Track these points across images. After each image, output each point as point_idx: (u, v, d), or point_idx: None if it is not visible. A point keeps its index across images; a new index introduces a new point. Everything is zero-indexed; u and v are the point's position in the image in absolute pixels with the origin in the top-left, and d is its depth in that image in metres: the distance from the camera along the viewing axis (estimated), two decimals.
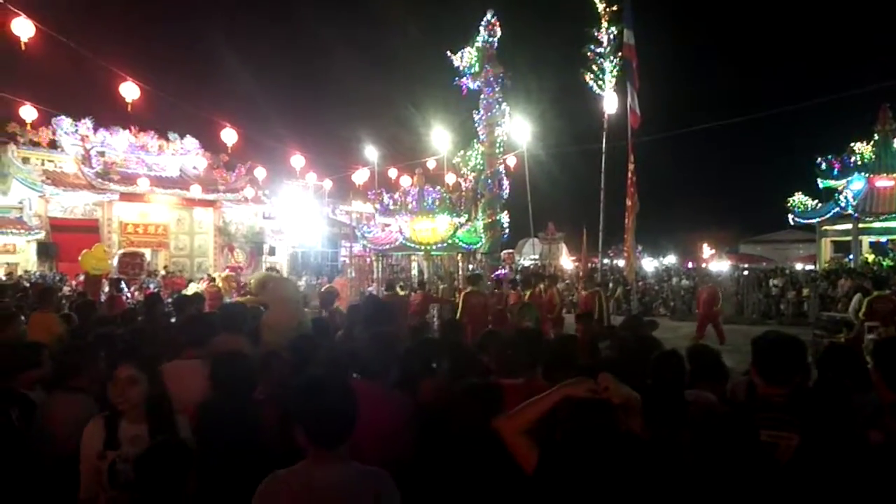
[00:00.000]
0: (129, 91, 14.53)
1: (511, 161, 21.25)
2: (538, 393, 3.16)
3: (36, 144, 23.94)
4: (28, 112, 20.04)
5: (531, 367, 3.40)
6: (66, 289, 17.15)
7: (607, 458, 2.03)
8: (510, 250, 32.88)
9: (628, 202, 14.95)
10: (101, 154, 24.80)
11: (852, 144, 26.19)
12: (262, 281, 5.81)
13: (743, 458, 2.22)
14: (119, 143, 25.50)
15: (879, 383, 2.66)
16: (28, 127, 22.64)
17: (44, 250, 21.94)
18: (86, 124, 24.79)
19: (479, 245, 18.06)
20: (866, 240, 26.83)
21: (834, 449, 2.22)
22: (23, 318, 5.85)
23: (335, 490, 2.03)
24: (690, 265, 33.63)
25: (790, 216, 27.78)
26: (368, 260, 22.23)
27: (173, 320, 6.66)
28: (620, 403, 2.08)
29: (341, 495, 2.03)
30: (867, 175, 25.42)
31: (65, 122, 24.29)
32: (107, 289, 14.86)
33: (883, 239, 26.90)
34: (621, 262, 24.76)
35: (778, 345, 2.57)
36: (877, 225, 25.34)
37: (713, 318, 14.01)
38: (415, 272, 19.95)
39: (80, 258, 15.20)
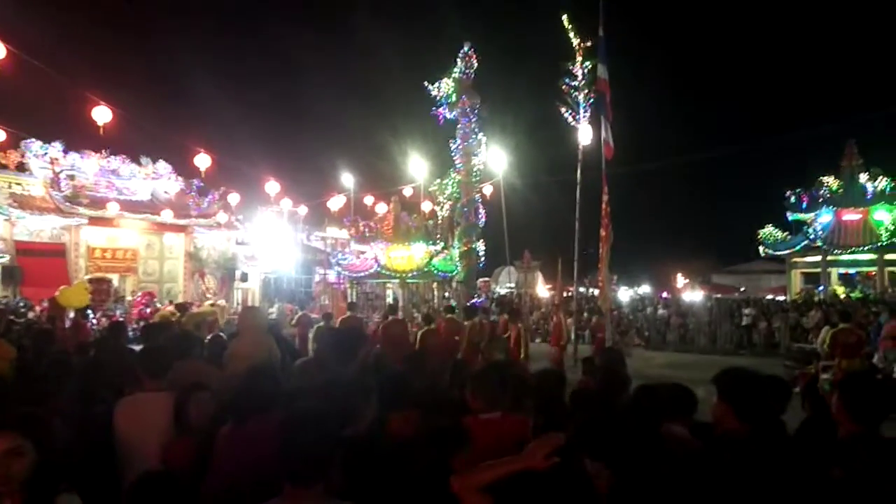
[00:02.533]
0: (101, 114, 14.35)
1: (487, 190, 21.35)
2: (512, 427, 3.11)
3: (3, 167, 23.40)
4: None
5: (506, 400, 3.34)
6: (31, 314, 16.67)
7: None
8: (486, 279, 32.86)
9: (602, 232, 15.04)
10: (71, 177, 24.32)
11: (820, 178, 26.86)
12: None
13: (715, 494, 2.22)
14: (89, 167, 25.07)
15: (842, 415, 2.67)
16: None
17: (8, 274, 21.31)
18: (56, 147, 24.36)
19: (454, 273, 18.02)
20: (835, 272, 27.37)
21: (785, 486, 2.25)
22: None
23: None
24: (665, 295, 33.90)
25: (761, 248, 28.27)
26: (343, 287, 22.00)
27: (137, 348, 6.45)
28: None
29: None
30: (835, 208, 26.03)
31: (34, 145, 23.83)
32: (72, 315, 14.46)
33: (851, 271, 27.46)
34: (596, 292, 24.87)
35: (745, 383, 2.66)
36: (845, 257, 25.89)
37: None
38: (389, 300, 19.79)
39: (57, 293, 14.92)
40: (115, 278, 24.03)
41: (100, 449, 3.34)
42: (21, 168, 23.94)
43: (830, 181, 26.57)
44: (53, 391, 3.57)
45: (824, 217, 26.24)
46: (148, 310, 19.70)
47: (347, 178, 26.07)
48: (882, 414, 2.56)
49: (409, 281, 18.27)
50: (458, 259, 17.97)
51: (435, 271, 17.70)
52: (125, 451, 3.32)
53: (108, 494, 2.88)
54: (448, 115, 17.49)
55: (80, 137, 23.75)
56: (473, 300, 19.41)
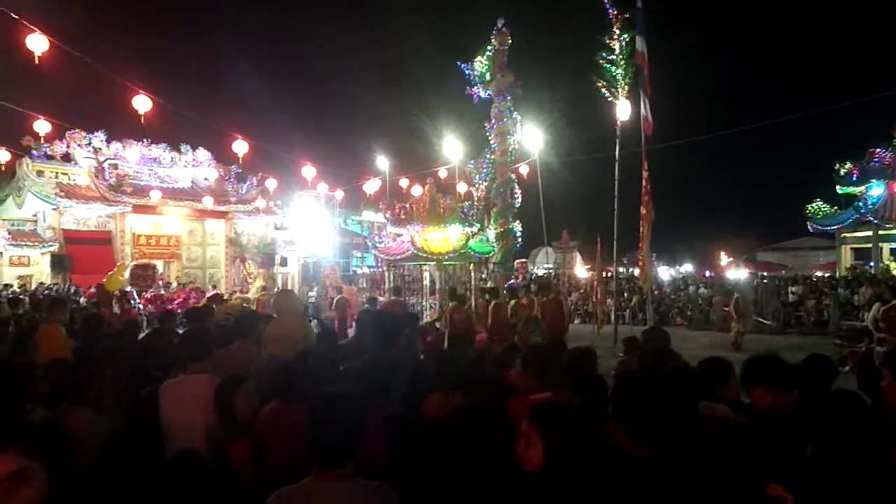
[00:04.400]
0: (142, 104, 14.57)
1: (523, 169, 21.09)
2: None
3: (50, 157, 24.14)
4: (42, 125, 20.20)
5: (556, 380, 3.31)
6: (82, 300, 17.21)
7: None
8: (523, 259, 32.63)
9: (643, 210, 14.74)
10: (114, 166, 25.00)
11: (871, 150, 25.81)
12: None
13: (761, 470, 2.19)
14: (132, 156, 25.68)
15: None
16: (42, 140, 22.89)
17: (57, 262, 22.05)
18: (99, 137, 25.04)
19: (491, 254, 17.89)
20: (887, 247, 26.35)
21: (849, 465, 2.17)
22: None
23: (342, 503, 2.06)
24: (708, 273, 33.19)
25: (809, 223, 27.39)
26: (381, 270, 22.11)
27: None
28: None
29: None
30: (886, 181, 25.01)
31: (78, 135, 24.57)
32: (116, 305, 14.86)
33: None
34: (637, 271, 24.49)
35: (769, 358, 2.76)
36: None
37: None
38: (426, 282, 19.81)
39: (104, 280, 15.39)
40: (159, 264, 24.64)
41: (148, 429, 3.43)
42: (66, 158, 24.66)
43: (882, 152, 25.51)
44: (107, 375, 3.63)
45: (875, 190, 25.21)
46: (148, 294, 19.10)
47: (382, 161, 26.12)
48: None
49: (445, 263, 18.22)
50: (494, 240, 17.80)
51: (472, 253, 17.62)
52: (170, 432, 3.42)
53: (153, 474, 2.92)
54: (482, 95, 17.24)
55: (122, 127, 24.38)
56: (510, 281, 19.28)
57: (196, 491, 2.33)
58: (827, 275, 27.04)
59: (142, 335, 7.02)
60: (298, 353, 3.66)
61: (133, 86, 14.57)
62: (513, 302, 10.56)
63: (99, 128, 25.16)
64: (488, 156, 18.42)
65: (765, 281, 23.38)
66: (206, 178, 27.90)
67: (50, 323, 6.56)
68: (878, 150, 25.63)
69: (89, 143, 24.82)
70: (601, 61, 15.50)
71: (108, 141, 25.33)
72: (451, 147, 21.71)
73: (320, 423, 2.11)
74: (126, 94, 14.57)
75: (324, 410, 2.14)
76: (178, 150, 27.55)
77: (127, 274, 18.22)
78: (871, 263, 25.28)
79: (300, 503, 2.07)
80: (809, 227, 27.83)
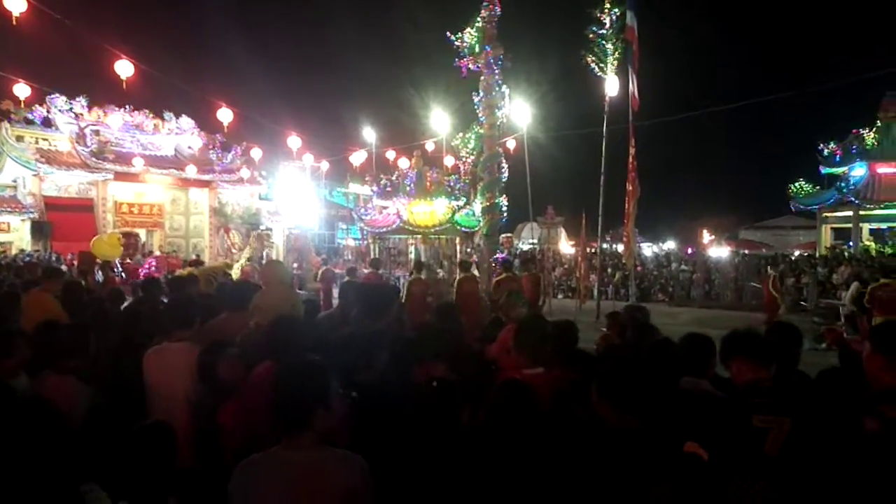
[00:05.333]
0: (124, 69, 14.27)
1: (510, 144, 21.02)
2: (553, 383, 3.09)
3: (30, 122, 23.66)
4: (22, 89, 19.73)
5: (549, 356, 3.34)
6: (63, 267, 17.03)
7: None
8: (509, 234, 32.70)
9: (629, 187, 14.80)
10: (96, 133, 24.57)
11: (855, 131, 26.03)
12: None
13: (737, 444, 2.25)
14: (114, 122, 25.26)
15: (882, 366, 2.59)
16: (22, 105, 22.38)
17: (38, 229, 21.78)
18: (80, 102, 24.57)
19: (477, 228, 17.94)
20: (867, 227, 26.76)
21: (827, 436, 2.24)
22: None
23: (303, 471, 2.06)
24: (690, 251, 33.51)
25: (791, 203, 27.69)
26: (365, 242, 22.07)
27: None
28: None
29: (309, 476, 2.06)
30: (869, 162, 25.29)
31: (59, 100, 24.06)
32: (99, 273, 14.72)
33: (883, 226, 26.84)
34: (620, 247, 24.66)
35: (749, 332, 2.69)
36: (877, 212, 25.26)
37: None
38: (412, 255, 19.84)
39: (91, 243, 15.09)
40: (142, 233, 24.40)
41: (132, 394, 3.47)
42: (47, 123, 24.17)
43: (866, 133, 25.75)
44: (90, 342, 3.62)
45: (858, 171, 25.51)
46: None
47: (369, 133, 25.92)
48: None
49: (431, 236, 18.25)
50: (480, 214, 17.82)
51: (458, 226, 17.65)
52: (152, 399, 3.45)
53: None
54: (471, 67, 17.05)
55: (104, 92, 23.90)
56: (496, 255, 19.34)
57: (163, 460, 2.37)
58: (807, 254, 27.43)
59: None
60: (273, 320, 3.62)
61: (115, 50, 14.27)
62: (503, 275, 10.54)
63: (80, 93, 24.70)
64: (476, 129, 18.36)
65: (745, 259, 23.65)
66: (189, 147, 27.53)
67: (38, 290, 6.47)
68: (862, 130, 25.87)
69: (70, 109, 24.34)
70: (591, 35, 15.41)
71: (90, 107, 24.85)
72: (439, 120, 21.57)
73: (280, 387, 2.15)
74: (108, 58, 14.27)
75: (284, 375, 2.19)
76: (162, 118, 27.10)
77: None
78: (851, 243, 25.67)
79: (265, 471, 2.08)
80: (792, 207, 28.16)
